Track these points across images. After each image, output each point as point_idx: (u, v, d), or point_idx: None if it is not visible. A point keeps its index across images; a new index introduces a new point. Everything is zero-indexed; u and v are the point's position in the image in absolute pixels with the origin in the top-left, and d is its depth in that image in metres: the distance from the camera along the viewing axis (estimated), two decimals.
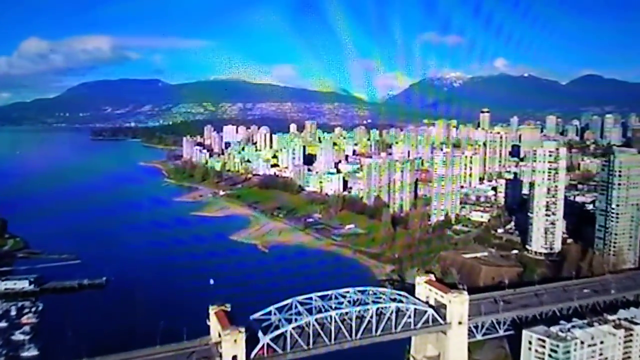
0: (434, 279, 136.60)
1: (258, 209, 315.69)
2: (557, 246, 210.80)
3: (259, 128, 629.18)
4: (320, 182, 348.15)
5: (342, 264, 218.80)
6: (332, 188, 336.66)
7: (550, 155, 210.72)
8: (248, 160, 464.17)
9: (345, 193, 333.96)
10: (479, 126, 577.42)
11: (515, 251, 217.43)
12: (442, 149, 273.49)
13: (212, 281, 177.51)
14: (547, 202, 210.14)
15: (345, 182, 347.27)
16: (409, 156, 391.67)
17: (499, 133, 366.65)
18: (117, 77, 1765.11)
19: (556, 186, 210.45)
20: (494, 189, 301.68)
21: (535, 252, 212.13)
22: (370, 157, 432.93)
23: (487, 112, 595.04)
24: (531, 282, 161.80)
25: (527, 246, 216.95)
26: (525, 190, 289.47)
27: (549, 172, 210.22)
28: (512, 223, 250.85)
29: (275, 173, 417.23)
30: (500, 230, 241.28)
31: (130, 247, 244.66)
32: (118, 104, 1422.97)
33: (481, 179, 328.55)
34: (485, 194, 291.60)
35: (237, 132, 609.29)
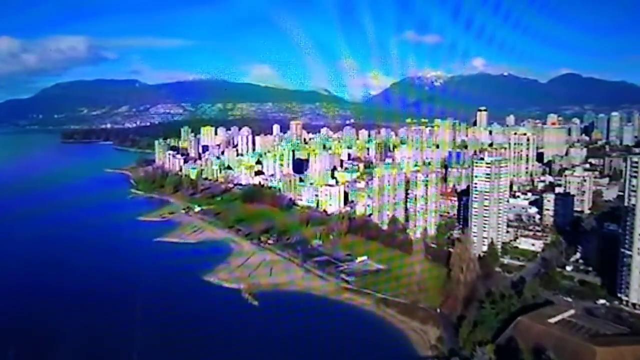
0: None
1: (241, 232, 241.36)
2: None
3: (240, 129, 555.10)
4: (317, 195, 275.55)
5: (364, 327, 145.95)
6: (332, 203, 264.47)
7: None
8: (228, 167, 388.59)
9: (348, 209, 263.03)
10: (474, 125, 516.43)
11: (602, 302, 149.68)
12: (482, 157, 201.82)
13: None
14: None
15: (345, 195, 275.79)
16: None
17: (525, 134, 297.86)
18: (93, 77, 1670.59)
19: None
20: (533, 203, 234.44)
21: (635, 305, 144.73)
22: (371, 162, 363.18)
23: (485, 110, 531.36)
24: None
25: (619, 294, 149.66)
26: (577, 207, 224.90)
27: None
28: (578, 254, 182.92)
29: (260, 182, 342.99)
30: (569, 268, 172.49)
31: (71, 293, 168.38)
32: (94, 105, 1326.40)
33: (511, 190, 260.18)
34: (527, 212, 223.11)
35: (215, 133, 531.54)
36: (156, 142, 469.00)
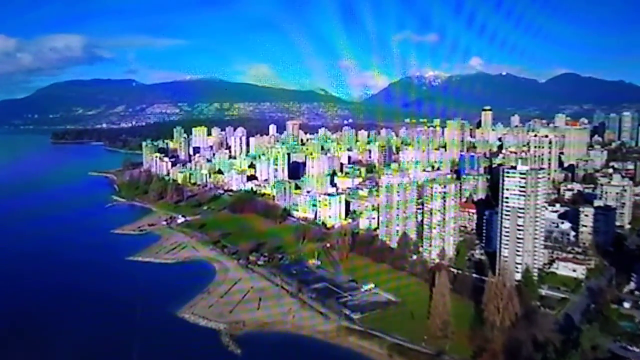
0: None
1: (228, 249, 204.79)
2: None
3: (234, 130, 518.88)
4: (314, 204, 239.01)
5: None
6: (332, 215, 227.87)
7: None
8: (219, 171, 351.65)
9: (350, 221, 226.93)
10: (479, 126, 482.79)
11: None
12: (514, 166, 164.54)
13: None
14: None
15: (347, 204, 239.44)
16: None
17: (546, 136, 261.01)
18: (89, 77, 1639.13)
19: None
20: (562, 216, 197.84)
21: None
22: (373, 165, 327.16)
23: (490, 110, 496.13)
24: None
25: None
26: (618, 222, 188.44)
27: None
28: (632, 284, 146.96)
29: (252, 188, 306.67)
30: (627, 305, 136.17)
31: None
32: (90, 105, 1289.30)
33: None
34: (559, 227, 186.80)
35: (208, 134, 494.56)
36: (143, 144, 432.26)
